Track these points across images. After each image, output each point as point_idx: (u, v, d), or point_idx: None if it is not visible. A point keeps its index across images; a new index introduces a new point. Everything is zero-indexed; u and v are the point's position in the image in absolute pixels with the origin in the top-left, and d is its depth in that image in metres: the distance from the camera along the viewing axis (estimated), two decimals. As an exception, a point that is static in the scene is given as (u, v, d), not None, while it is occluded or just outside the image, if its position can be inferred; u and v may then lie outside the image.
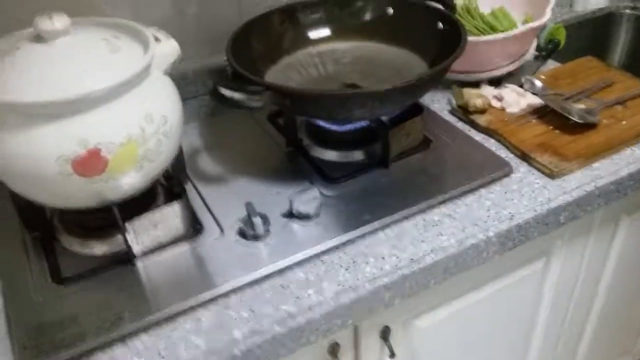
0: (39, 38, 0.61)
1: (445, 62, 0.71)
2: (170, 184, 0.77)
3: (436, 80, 0.76)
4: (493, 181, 0.77)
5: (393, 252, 0.68)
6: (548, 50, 1.02)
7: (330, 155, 0.83)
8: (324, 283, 0.65)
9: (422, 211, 0.73)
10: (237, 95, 0.68)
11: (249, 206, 0.70)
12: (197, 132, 0.91)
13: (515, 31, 0.86)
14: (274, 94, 0.69)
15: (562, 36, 1.04)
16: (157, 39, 0.67)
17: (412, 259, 0.67)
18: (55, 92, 0.57)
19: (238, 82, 0.72)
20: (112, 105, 0.60)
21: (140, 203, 0.70)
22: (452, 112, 0.91)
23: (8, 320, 0.62)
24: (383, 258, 0.67)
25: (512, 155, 0.82)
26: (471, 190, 0.76)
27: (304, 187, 0.73)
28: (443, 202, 0.74)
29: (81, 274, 0.66)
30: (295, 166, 0.82)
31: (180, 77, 0.95)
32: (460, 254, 0.69)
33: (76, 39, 0.62)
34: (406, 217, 0.72)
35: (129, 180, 0.63)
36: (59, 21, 0.60)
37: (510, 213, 0.72)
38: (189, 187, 0.79)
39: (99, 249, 0.69)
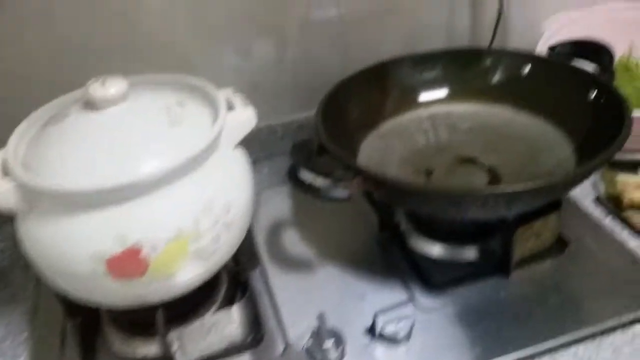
0: (91, 105, 0.51)
1: (602, 155, 0.52)
2: (238, 269, 0.65)
3: (588, 176, 0.57)
4: (653, 314, 0.57)
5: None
6: None
7: (434, 249, 0.66)
8: None
9: (552, 350, 0.55)
10: (319, 181, 0.54)
11: (321, 320, 0.55)
12: (280, 198, 0.78)
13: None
14: (365, 181, 0.54)
15: None
16: (230, 106, 0.55)
17: None
18: (96, 179, 0.47)
19: (322, 161, 0.58)
20: (162, 192, 0.48)
21: (195, 295, 0.58)
22: (599, 201, 0.71)
23: None
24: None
25: (681, 276, 0.61)
26: (621, 326, 0.56)
27: (393, 301, 0.57)
28: (581, 339, 0.55)
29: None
30: (388, 259, 0.66)
31: (268, 133, 0.85)
32: None
33: (132, 107, 0.51)
34: (531, 358, 0.54)
35: (176, 282, 0.52)
36: (113, 87, 0.50)
37: (680, 371, 0.52)
38: (257, 275, 0.66)
39: (141, 350, 0.58)
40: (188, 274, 0.52)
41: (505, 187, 0.50)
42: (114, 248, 0.47)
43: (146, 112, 0.51)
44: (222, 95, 0.55)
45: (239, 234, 0.55)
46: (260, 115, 0.83)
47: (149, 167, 0.47)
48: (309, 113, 0.69)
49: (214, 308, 0.61)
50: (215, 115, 0.53)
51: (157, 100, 0.53)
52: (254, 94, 0.82)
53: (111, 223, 0.47)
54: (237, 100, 0.56)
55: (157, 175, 0.47)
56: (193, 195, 0.49)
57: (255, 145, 0.84)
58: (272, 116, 0.85)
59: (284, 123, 0.85)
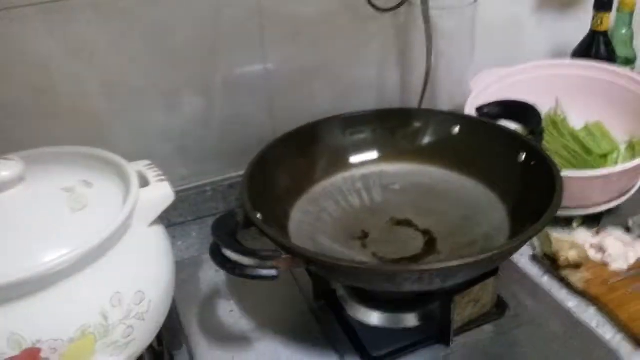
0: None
1: (536, 225, 0.51)
2: (161, 350, 0.60)
3: (523, 245, 0.55)
4: (597, 383, 0.55)
5: None
6: (657, 174, 0.80)
7: (373, 317, 0.63)
8: None
9: None
10: (245, 261, 0.50)
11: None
12: (210, 264, 0.72)
13: (622, 166, 0.66)
14: (294, 259, 0.51)
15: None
16: (145, 180, 0.51)
17: None
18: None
19: (250, 232, 0.54)
20: (63, 287, 0.43)
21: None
22: (535, 260, 0.70)
23: None
24: None
25: (619, 338, 0.59)
26: (566, 398, 0.54)
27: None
28: (527, 416, 0.53)
29: None
30: (325, 331, 0.62)
31: (197, 193, 0.81)
32: None
33: (30, 190, 0.46)
34: None
35: (84, 383, 0.46)
36: (7, 170, 0.45)
37: None
38: (183, 354, 0.60)
39: None
40: (98, 372, 0.46)
41: (440, 264, 0.48)
42: (8, 351, 0.41)
43: (46, 196, 0.46)
44: (134, 169, 0.50)
45: (158, 320, 0.50)
46: (188, 176, 0.81)
47: (48, 258, 0.42)
48: (240, 172, 0.66)
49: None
50: (126, 193, 0.49)
51: (60, 180, 0.48)
52: (179, 155, 0.79)
53: (5, 323, 0.42)
54: (152, 174, 0.51)
55: (56, 269, 0.42)
56: (99, 287, 0.44)
57: (182, 207, 0.81)
58: (201, 176, 0.81)
59: (213, 182, 0.81)
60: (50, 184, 0.47)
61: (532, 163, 0.62)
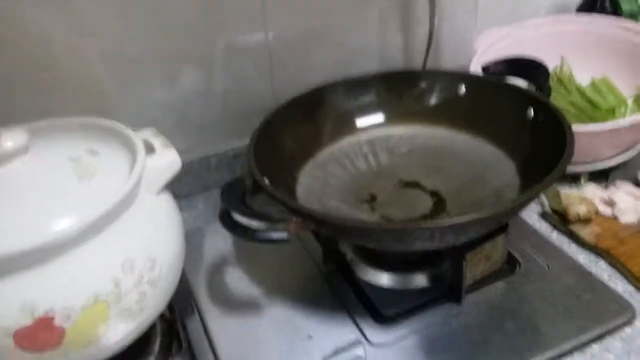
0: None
1: (547, 179, 0.50)
2: (173, 317, 0.60)
3: (534, 199, 0.55)
4: (610, 332, 0.55)
5: None
6: (666, 128, 0.79)
7: (383, 278, 0.63)
8: None
9: (511, 380, 0.52)
10: (254, 224, 0.50)
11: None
12: (218, 235, 0.72)
13: (630, 119, 0.65)
14: (305, 221, 0.50)
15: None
16: (150, 149, 0.51)
17: None
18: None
19: (258, 198, 0.54)
20: (74, 254, 0.43)
21: (126, 352, 0.53)
22: (544, 217, 0.70)
23: None
24: None
25: (632, 289, 0.59)
26: (580, 347, 0.54)
27: (343, 339, 0.54)
28: (540, 367, 0.53)
29: None
30: (335, 294, 0.63)
31: (201, 165, 0.80)
32: None
33: (36, 160, 0.46)
34: (488, 392, 0.52)
35: (100, 348, 0.46)
36: (10, 140, 0.44)
37: (641, 392, 0.50)
38: (195, 321, 0.61)
39: None
40: (112, 338, 0.46)
41: (451, 220, 0.47)
42: (21, 320, 0.42)
43: (52, 165, 0.46)
44: (140, 137, 0.50)
45: (169, 287, 0.50)
46: (192, 147, 0.80)
47: (57, 227, 0.42)
48: (244, 141, 0.66)
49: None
50: (132, 161, 0.48)
51: (65, 149, 0.47)
52: (182, 126, 0.78)
53: (17, 292, 0.42)
54: (157, 142, 0.51)
55: (66, 236, 0.42)
56: (110, 254, 0.44)
57: (187, 179, 0.81)
58: (204, 147, 0.80)
59: (218, 153, 0.81)
60: (56, 154, 0.47)
61: (541, 118, 0.61)
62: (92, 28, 0.66)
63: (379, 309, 0.60)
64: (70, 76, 0.67)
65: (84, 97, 0.68)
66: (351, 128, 0.71)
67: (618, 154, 0.71)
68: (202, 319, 0.61)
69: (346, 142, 0.71)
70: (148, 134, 0.52)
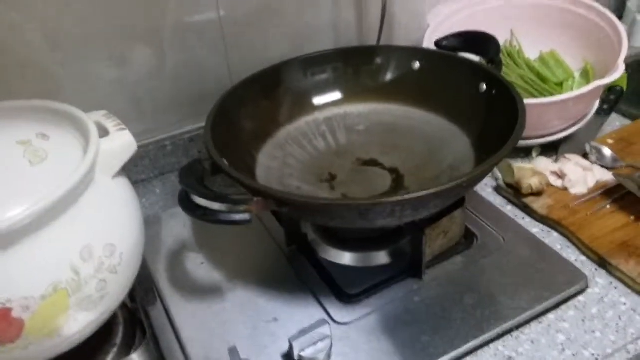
0: None
1: (501, 151, 0.51)
2: (134, 306, 0.59)
3: (489, 172, 0.56)
4: (564, 301, 0.57)
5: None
6: (610, 101, 0.82)
7: (345, 257, 0.63)
8: None
9: (474, 351, 0.54)
10: (215, 206, 0.49)
11: (232, 354, 0.51)
12: (178, 219, 0.71)
13: (578, 91, 0.67)
14: (266, 201, 0.50)
15: (623, 82, 0.84)
16: (104, 130, 0.49)
17: None
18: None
19: (218, 180, 0.53)
20: (29, 243, 0.41)
21: (88, 343, 0.51)
22: (498, 190, 0.71)
23: None
24: None
25: (584, 258, 0.62)
26: (537, 317, 0.56)
27: (308, 320, 0.54)
28: (500, 336, 0.55)
29: None
30: (298, 274, 0.63)
31: (157, 149, 0.78)
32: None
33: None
34: (451, 362, 0.53)
35: (61, 339, 0.45)
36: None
37: (594, 355, 0.52)
38: (158, 309, 0.60)
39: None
40: (74, 328, 0.45)
41: (410, 195, 0.48)
42: (-25, 315, 0.40)
43: (1, 151, 0.43)
44: (92, 120, 0.48)
45: (130, 274, 0.49)
46: (146, 131, 0.78)
47: (9, 214, 0.40)
48: (199, 124, 0.63)
49: (112, 354, 0.54)
50: (86, 145, 0.46)
51: (14, 133, 0.45)
52: (135, 109, 0.76)
53: (-32, 285, 0.40)
54: (110, 124, 0.49)
55: (21, 223, 0.40)
56: (67, 241, 0.42)
57: (144, 163, 0.78)
58: (159, 130, 0.78)
59: (173, 136, 0.79)
60: (4, 138, 0.44)
61: (494, 92, 0.62)
62: (31, 7, 0.63)
63: (342, 288, 0.60)
64: (12, 59, 0.64)
65: (29, 80, 0.65)
66: (309, 107, 0.71)
67: (568, 127, 0.73)
68: (164, 307, 0.60)
69: (304, 121, 0.71)
70: (100, 115, 0.50)
